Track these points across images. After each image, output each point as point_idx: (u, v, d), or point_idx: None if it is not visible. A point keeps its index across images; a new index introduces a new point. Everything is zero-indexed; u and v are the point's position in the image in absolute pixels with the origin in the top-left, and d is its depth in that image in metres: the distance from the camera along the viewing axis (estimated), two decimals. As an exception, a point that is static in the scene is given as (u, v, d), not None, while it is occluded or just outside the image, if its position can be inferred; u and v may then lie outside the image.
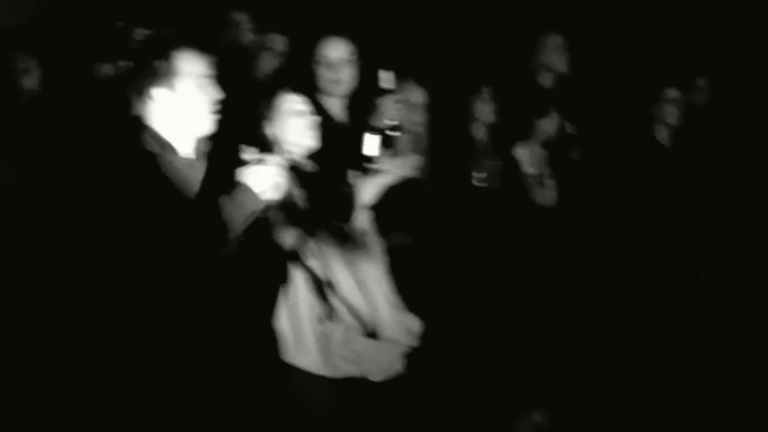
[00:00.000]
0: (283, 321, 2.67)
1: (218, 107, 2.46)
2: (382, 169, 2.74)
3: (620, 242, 4.07)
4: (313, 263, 2.58)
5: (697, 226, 4.08)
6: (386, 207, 2.92)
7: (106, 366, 2.37)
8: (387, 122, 2.91)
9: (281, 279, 2.65)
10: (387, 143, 2.82)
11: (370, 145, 2.73)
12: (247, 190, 2.36)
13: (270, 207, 2.47)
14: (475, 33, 5.26)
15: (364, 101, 3.10)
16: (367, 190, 2.69)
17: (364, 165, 2.71)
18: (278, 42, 4.18)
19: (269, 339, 2.65)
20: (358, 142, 2.76)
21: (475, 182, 3.50)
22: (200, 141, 2.48)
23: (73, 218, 2.47)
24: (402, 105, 3.11)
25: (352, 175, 2.70)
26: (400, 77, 3.21)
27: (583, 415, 3.69)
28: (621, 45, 4.80)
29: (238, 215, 2.33)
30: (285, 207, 2.54)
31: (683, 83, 4.30)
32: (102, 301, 2.36)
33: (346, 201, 2.61)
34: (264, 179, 2.39)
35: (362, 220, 2.73)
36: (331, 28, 3.22)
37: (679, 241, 4.04)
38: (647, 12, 5.07)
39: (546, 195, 3.89)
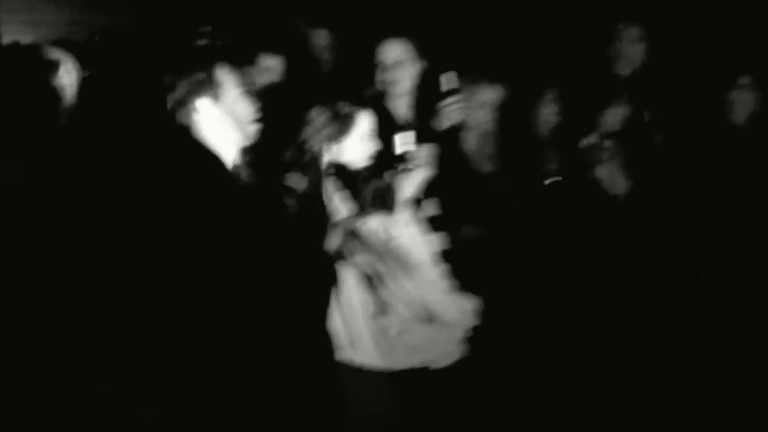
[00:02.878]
0: (336, 320, 2.68)
1: (261, 116, 2.53)
2: (417, 165, 2.85)
3: (620, 242, 4.07)
4: (361, 259, 2.60)
5: (697, 226, 4.07)
6: (455, 201, 3.11)
7: (108, 365, 2.39)
8: (444, 124, 3.07)
9: (331, 279, 2.69)
10: (447, 145, 2.98)
11: (403, 143, 2.82)
12: (291, 194, 2.43)
13: (314, 211, 2.53)
14: (473, 33, 5.27)
15: (425, 102, 3.15)
16: (406, 186, 2.73)
17: (398, 163, 2.81)
18: (321, 36, 4.19)
19: (323, 340, 2.69)
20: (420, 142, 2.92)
21: (545, 178, 3.54)
22: (244, 150, 2.54)
23: (117, 222, 2.53)
24: (463, 106, 3.15)
25: (389, 174, 2.78)
26: (467, 78, 3.27)
27: (583, 415, 3.68)
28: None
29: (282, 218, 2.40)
30: (328, 210, 2.59)
31: (683, 84, 4.31)
32: (105, 300, 2.39)
33: (386, 197, 2.65)
34: (308, 184, 2.52)
35: (405, 214, 2.77)
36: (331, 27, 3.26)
37: (679, 241, 4.04)
38: (646, 12, 5.07)
39: (618, 186, 3.92)
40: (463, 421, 2.95)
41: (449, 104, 3.09)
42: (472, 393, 3.01)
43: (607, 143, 3.92)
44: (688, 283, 4.01)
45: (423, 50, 4.41)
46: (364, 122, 2.74)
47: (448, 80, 3.09)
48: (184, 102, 2.45)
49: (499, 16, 5.26)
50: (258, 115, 2.52)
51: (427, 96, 3.17)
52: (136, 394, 2.47)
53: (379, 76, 3.19)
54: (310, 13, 4.73)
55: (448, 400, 2.83)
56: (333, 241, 2.60)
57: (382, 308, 2.68)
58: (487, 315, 2.83)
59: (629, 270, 4.06)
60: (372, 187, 2.65)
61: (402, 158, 2.82)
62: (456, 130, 3.11)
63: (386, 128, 2.92)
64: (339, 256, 2.63)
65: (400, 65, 3.18)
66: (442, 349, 2.78)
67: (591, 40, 4.61)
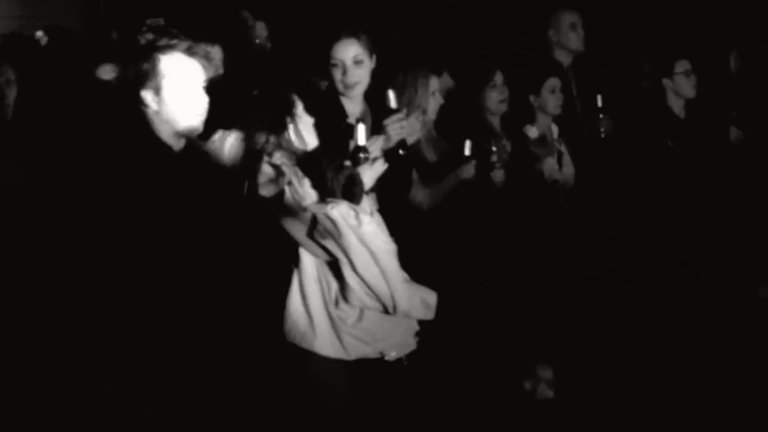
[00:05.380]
0: (295, 307, 2.69)
1: (209, 107, 2.52)
2: (375, 157, 2.85)
3: (620, 241, 4.08)
4: (328, 244, 2.62)
5: (697, 226, 4.08)
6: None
7: (108, 365, 2.40)
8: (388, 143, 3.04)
9: (292, 264, 2.70)
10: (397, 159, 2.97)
11: (362, 135, 2.82)
12: (252, 183, 2.44)
13: (278, 197, 2.54)
14: (473, 33, 5.27)
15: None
16: (366, 177, 2.76)
17: (357, 155, 2.80)
18: (261, 28, 4.23)
19: (279, 326, 2.70)
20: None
21: (492, 164, 3.58)
22: (193, 140, 2.55)
23: (77, 218, 2.51)
24: (405, 124, 3.15)
25: (348, 165, 2.78)
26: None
27: (582, 414, 3.69)
28: (620, 45, 4.81)
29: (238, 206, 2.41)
30: (289, 194, 2.60)
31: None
32: (103, 299, 2.40)
33: (355, 186, 2.66)
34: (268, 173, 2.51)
35: (370, 204, 2.80)
36: (334, 28, 3.26)
37: (679, 241, 4.05)
38: (647, 11, 5.08)
39: (563, 172, 3.94)
40: (419, 411, 2.95)
41: (393, 122, 3.08)
42: (430, 384, 3.01)
43: (551, 128, 3.96)
44: (688, 283, 4.02)
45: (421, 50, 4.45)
46: (285, 105, 2.75)
47: (391, 98, 3.09)
48: (130, 93, 2.46)
49: (499, 17, 5.27)
50: (204, 107, 2.52)
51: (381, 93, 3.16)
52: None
53: (339, 77, 3.17)
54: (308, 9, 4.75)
55: (405, 390, 2.83)
56: (301, 225, 2.61)
57: (342, 295, 2.69)
58: (444, 308, 2.85)
59: (629, 270, 4.06)
60: (344, 174, 2.64)
61: (364, 149, 2.82)
62: (401, 146, 3.10)
63: (343, 121, 2.94)
64: (306, 239, 2.64)
65: (360, 65, 3.16)
66: (396, 340, 2.79)
67: (591, 40, 4.63)
